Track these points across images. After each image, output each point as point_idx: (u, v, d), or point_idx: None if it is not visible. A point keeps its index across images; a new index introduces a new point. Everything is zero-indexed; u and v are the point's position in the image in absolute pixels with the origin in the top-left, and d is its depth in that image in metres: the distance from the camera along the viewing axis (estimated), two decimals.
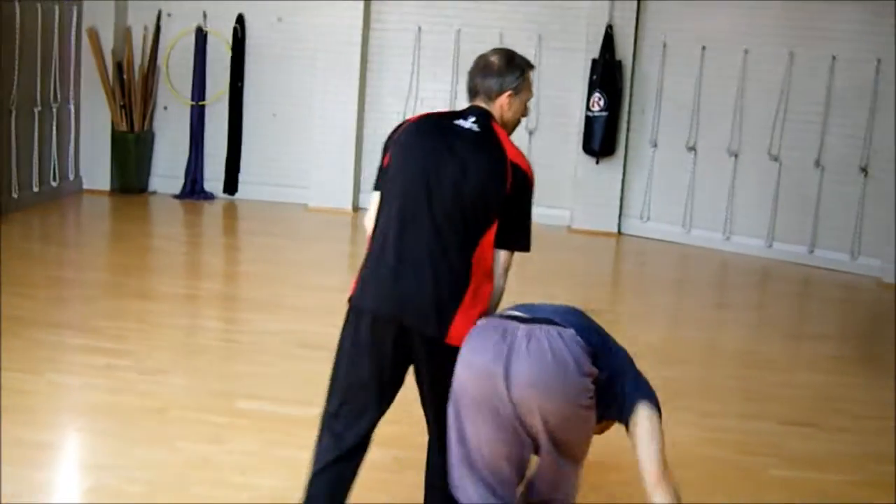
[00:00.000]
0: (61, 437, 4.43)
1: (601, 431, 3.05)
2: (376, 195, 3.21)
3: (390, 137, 3.25)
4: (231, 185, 10.38)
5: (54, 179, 9.53)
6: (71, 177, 9.90)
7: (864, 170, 8.91)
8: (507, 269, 3.16)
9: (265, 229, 9.44)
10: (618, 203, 9.96)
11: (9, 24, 8.56)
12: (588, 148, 9.69)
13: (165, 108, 10.39)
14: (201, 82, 10.27)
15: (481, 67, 3.26)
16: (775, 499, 4.19)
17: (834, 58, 8.95)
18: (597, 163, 9.80)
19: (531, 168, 3.15)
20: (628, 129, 9.87)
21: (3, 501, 3.62)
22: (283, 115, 10.29)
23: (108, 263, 7.90)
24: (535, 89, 3.37)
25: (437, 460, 3.24)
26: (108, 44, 9.89)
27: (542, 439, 2.78)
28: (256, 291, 7.16)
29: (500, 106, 3.21)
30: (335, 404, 3.17)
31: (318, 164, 10.07)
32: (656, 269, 9.20)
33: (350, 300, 3.17)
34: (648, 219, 9.97)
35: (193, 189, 10.30)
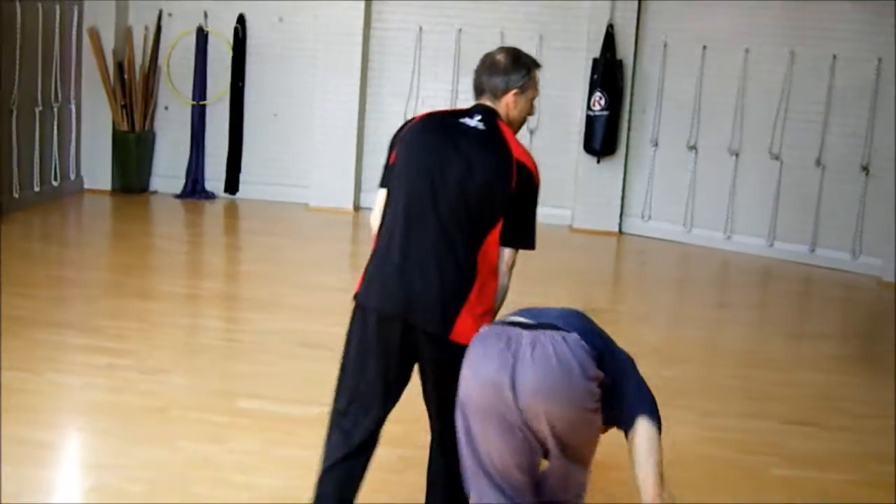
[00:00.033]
0: (62, 437, 4.43)
1: (604, 431, 3.05)
2: (382, 192, 3.22)
3: (397, 135, 3.26)
4: (232, 184, 10.39)
5: (55, 179, 9.54)
6: (72, 176, 9.90)
7: (865, 169, 8.91)
8: (511, 267, 3.17)
9: (266, 229, 9.44)
10: (619, 202, 9.96)
11: (10, 23, 8.56)
12: (589, 147, 9.69)
13: (166, 107, 10.39)
14: (202, 82, 10.28)
15: (487, 66, 3.26)
16: (776, 498, 4.19)
17: (834, 57, 8.95)
18: (598, 162, 9.80)
19: (536, 166, 3.15)
20: (629, 129, 9.87)
21: (3, 501, 3.62)
22: (283, 115, 10.29)
23: (109, 263, 7.91)
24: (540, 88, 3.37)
25: (440, 458, 3.26)
26: (108, 43, 9.89)
27: (551, 444, 2.79)
28: (257, 291, 7.16)
29: (506, 104, 3.22)
30: (343, 402, 3.18)
31: (319, 163, 10.07)
32: (657, 269, 9.19)
33: (356, 297, 3.18)
34: (649, 218, 9.97)
35: (194, 189, 10.30)
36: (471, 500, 2.91)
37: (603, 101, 9.51)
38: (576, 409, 2.76)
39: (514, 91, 3.21)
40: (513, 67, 3.22)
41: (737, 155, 9.49)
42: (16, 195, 8.83)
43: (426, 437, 3.34)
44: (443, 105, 9.46)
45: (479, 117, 3.17)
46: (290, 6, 10.09)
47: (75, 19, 9.67)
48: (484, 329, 2.93)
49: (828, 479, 4.43)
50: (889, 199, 8.68)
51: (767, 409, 5.30)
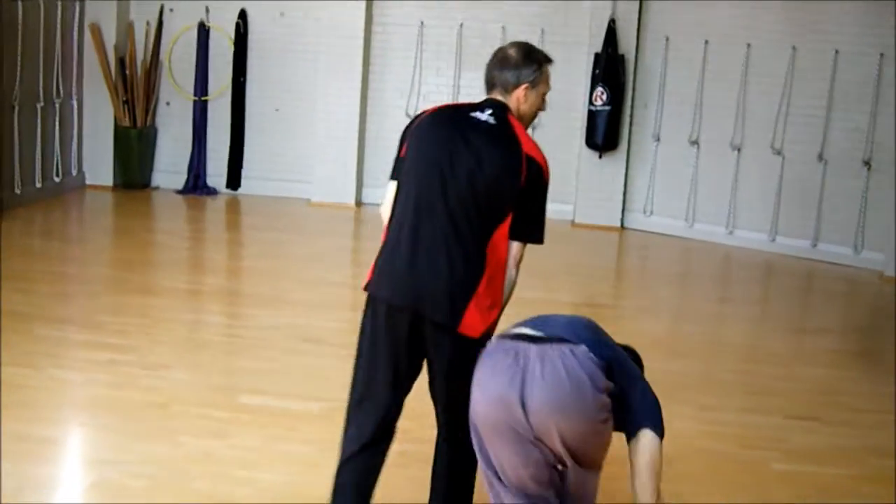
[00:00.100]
0: (64, 433, 4.44)
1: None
2: (392, 185, 3.23)
3: (408, 128, 3.27)
4: (234, 180, 10.39)
5: (57, 175, 9.55)
6: (74, 172, 9.91)
7: (867, 164, 8.90)
8: (519, 261, 3.18)
9: (268, 224, 9.44)
10: (621, 197, 9.96)
11: (12, 19, 8.57)
12: (591, 142, 9.69)
13: (168, 103, 10.40)
14: (204, 78, 10.28)
15: (499, 60, 3.27)
16: (776, 492, 4.19)
17: (836, 52, 8.94)
18: (600, 157, 9.80)
19: (546, 161, 3.16)
20: (631, 124, 9.86)
21: (4, 497, 3.63)
22: (285, 111, 10.30)
23: (110, 259, 7.92)
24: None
25: (446, 452, 3.28)
26: (110, 39, 9.90)
27: (564, 456, 2.80)
28: (259, 286, 7.17)
29: (517, 98, 3.22)
30: (357, 394, 3.21)
31: (321, 158, 10.08)
32: (659, 264, 9.20)
33: (366, 288, 3.19)
34: (651, 213, 9.97)
35: (196, 184, 10.31)
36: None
37: (605, 96, 9.51)
38: (588, 422, 2.77)
39: (524, 85, 3.22)
40: (524, 62, 3.23)
41: (739, 150, 9.49)
42: (17, 191, 8.85)
43: (430, 433, 3.35)
44: (445, 100, 9.46)
45: (489, 111, 3.18)
46: (291, 1, 10.09)
47: (77, 15, 9.68)
48: (492, 344, 2.93)
49: (828, 474, 4.43)
50: (891, 194, 8.67)
51: (768, 403, 5.30)
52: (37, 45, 9.04)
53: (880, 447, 4.76)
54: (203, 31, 10.22)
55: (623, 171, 9.91)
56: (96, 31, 9.81)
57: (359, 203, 10.11)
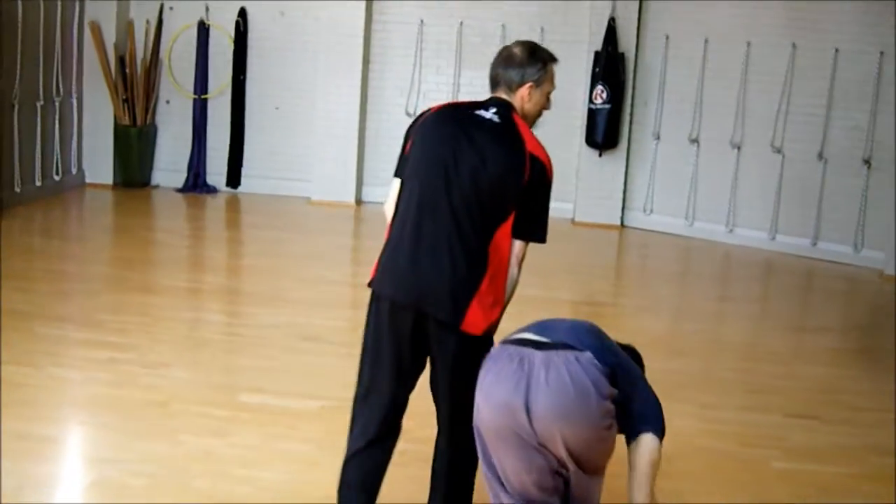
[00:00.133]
0: (63, 432, 4.44)
1: None
2: (396, 182, 3.23)
3: (412, 125, 3.27)
4: (234, 178, 10.39)
5: (57, 174, 9.55)
6: (73, 171, 9.91)
7: (867, 162, 8.89)
8: (521, 260, 3.18)
9: (268, 223, 9.44)
10: (621, 196, 9.95)
11: (11, 17, 8.56)
12: (591, 140, 9.69)
13: (168, 101, 10.39)
14: (204, 76, 10.28)
15: (504, 58, 3.27)
16: (776, 491, 4.19)
17: (836, 50, 8.93)
18: (600, 155, 9.80)
19: (550, 160, 3.16)
20: (631, 122, 9.86)
21: (4, 496, 3.63)
22: (285, 109, 10.29)
23: (110, 257, 7.92)
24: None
25: (445, 450, 3.28)
26: (110, 38, 9.89)
27: (568, 462, 2.80)
28: (259, 285, 7.17)
29: (521, 97, 3.23)
30: (363, 390, 3.22)
31: (321, 157, 10.07)
32: (659, 262, 9.19)
33: (370, 285, 3.20)
34: (651, 211, 9.96)
35: (196, 183, 10.31)
36: None
37: (605, 95, 9.51)
38: (592, 428, 2.77)
39: (529, 84, 3.22)
40: (528, 61, 3.23)
41: (738, 148, 9.48)
42: (17, 190, 8.84)
43: (430, 433, 3.35)
44: (445, 99, 9.46)
45: (494, 110, 3.18)
46: (291, 0, 10.09)
47: (77, 13, 9.67)
48: (496, 349, 2.93)
49: (828, 472, 4.43)
50: (891, 193, 8.66)
51: (768, 401, 5.30)
52: (37, 43, 9.03)
53: (880, 446, 4.76)
54: (203, 30, 10.21)
55: (623, 170, 9.91)
56: (96, 30, 9.80)
57: (358, 201, 10.10)
